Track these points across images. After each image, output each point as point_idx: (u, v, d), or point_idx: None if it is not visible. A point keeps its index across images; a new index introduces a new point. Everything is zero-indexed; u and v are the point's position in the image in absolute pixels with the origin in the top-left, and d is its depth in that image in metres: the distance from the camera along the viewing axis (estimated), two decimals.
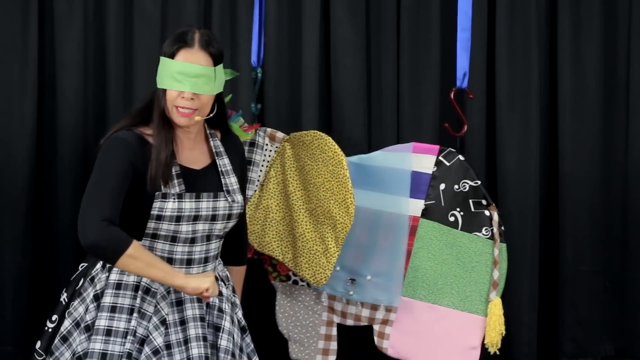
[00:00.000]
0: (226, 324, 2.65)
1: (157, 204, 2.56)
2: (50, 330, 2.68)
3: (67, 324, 2.62)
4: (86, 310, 2.61)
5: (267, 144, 3.17)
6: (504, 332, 3.05)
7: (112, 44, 3.50)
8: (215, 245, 2.69)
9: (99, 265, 2.64)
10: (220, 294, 2.69)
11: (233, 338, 2.66)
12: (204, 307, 2.65)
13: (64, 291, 2.72)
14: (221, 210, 2.65)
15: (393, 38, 3.57)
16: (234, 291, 2.79)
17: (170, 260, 2.61)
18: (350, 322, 3.17)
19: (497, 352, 3.05)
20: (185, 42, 2.58)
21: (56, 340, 2.62)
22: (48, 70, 3.51)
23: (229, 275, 2.80)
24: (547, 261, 3.61)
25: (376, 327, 3.15)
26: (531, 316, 3.53)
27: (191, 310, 2.63)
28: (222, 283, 2.73)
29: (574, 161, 3.58)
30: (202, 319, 2.63)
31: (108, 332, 2.55)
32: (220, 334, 2.64)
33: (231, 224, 2.70)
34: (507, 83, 3.55)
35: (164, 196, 2.57)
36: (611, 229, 3.63)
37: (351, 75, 3.52)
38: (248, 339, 2.76)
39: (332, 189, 2.98)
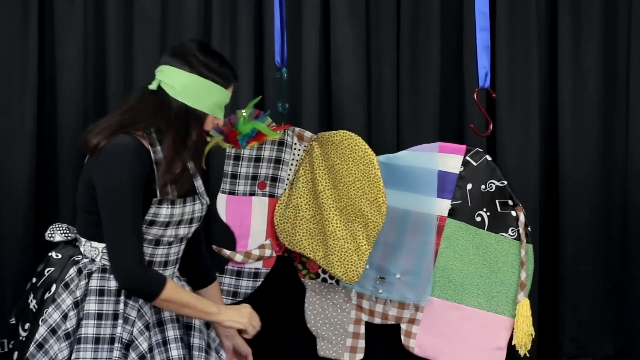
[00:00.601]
0: (196, 322, 2.69)
1: (152, 210, 2.58)
2: (24, 339, 2.65)
3: (42, 331, 2.59)
4: (65, 317, 2.59)
5: (295, 143, 3.18)
6: (534, 334, 3.03)
7: (112, 44, 3.50)
8: (184, 247, 2.76)
9: (72, 270, 2.62)
10: None
11: (203, 335, 2.71)
12: None
13: (30, 297, 2.68)
14: (197, 212, 2.72)
15: (393, 38, 3.57)
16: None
17: (150, 263, 2.64)
18: (377, 320, 3.17)
19: (527, 355, 3.03)
20: (236, 76, 2.70)
21: (31, 348, 2.58)
22: (48, 70, 3.51)
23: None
24: (547, 261, 3.61)
25: (403, 326, 3.15)
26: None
27: (168, 313, 2.66)
28: (184, 283, 2.78)
29: (574, 161, 3.58)
30: (178, 320, 2.67)
31: (96, 340, 2.55)
32: (192, 332, 2.68)
33: (200, 224, 2.78)
34: (507, 83, 3.55)
35: (160, 202, 2.59)
36: (611, 229, 3.63)
37: (351, 75, 3.52)
38: (213, 334, 2.79)
39: (363, 188, 2.99)
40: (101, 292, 2.58)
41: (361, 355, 3.18)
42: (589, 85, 3.60)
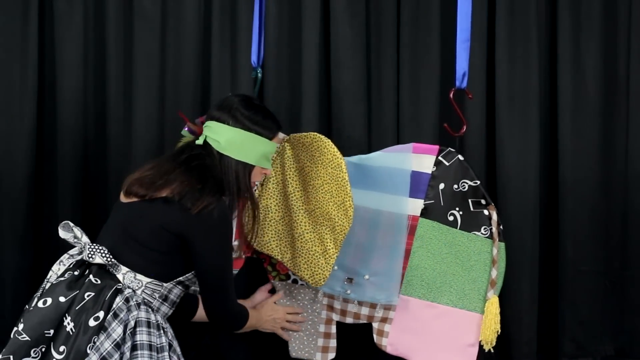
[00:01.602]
0: None
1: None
2: None
3: (94, 358, 2.56)
4: (116, 346, 2.59)
5: None
6: (499, 331, 3.05)
7: (112, 44, 3.51)
8: None
9: (118, 299, 2.63)
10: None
11: None
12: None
13: (67, 320, 2.61)
14: None
15: (393, 38, 3.57)
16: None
17: (173, 303, 2.80)
18: (349, 320, 3.18)
19: (492, 350, 3.05)
20: (279, 127, 2.86)
21: None
22: (48, 70, 3.51)
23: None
24: (547, 261, 3.61)
25: (375, 325, 3.16)
26: (531, 316, 3.53)
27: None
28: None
29: (574, 161, 3.58)
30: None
31: None
32: None
33: None
34: (507, 83, 3.55)
35: None
36: (611, 229, 3.63)
37: (351, 75, 3.52)
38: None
39: (330, 191, 2.98)
40: (148, 324, 2.66)
41: (333, 355, 3.19)
42: (589, 85, 3.60)
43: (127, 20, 3.51)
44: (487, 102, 3.56)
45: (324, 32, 3.54)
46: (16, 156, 3.44)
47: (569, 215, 3.58)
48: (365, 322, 3.17)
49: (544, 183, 3.60)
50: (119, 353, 2.59)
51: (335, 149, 3.00)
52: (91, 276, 2.67)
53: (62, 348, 2.60)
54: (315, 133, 3.04)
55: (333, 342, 3.19)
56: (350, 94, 3.52)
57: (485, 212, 3.07)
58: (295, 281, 3.19)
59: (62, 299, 2.63)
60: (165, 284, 2.71)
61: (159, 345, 2.66)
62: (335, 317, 3.18)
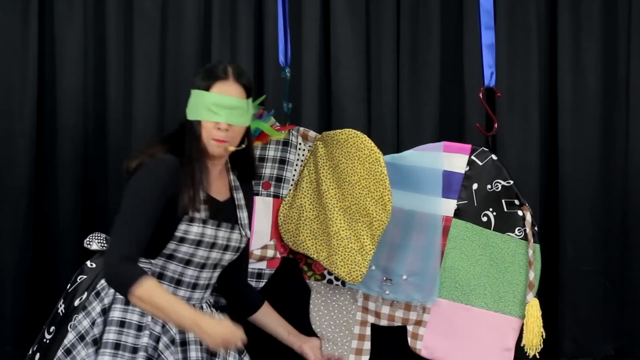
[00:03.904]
0: (221, 349, 2.70)
1: (182, 227, 2.64)
2: (48, 341, 2.69)
3: (70, 337, 2.63)
4: (93, 323, 2.62)
5: (300, 143, 3.18)
6: (544, 334, 3.02)
7: (112, 44, 3.51)
8: (217, 274, 2.80)
9: (104, 280, 2.66)
10: None
11: None
12: None
13: (60, 302, 2.74)
14: (234, 242, 2.77)
15: (393, 38, 3.57)
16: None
17: (178, 282, 2.69)
18: (384, 322, 3.15)
19: (537, 356, 3.02)
20: (219, 75, 2.68)
21: (59, 353, 2.62)
22: (48, 70, 3.51)
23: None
24: (547, 261, 3.61)
25: (410, 328, 3.13)
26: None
27: (193, 334, 2.67)
28: (214, 309, 2.82)
29: (574, 161, 3.58)
30: (201, 343, 2.67)
31: (116, 346, 2.57)
32: (216, 359, 2.72)
33: (236, 256, 2.82)
34: (507, 83, 3.55)
35: (191, 220, 2.64)
36: (611, 229, 3.63)
37: (351, 75, 3.52)
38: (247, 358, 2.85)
39: (368, 186, 2.98)
40: (127, 302, 2.61)
41: (367, 358, 3.15)
42: (589, 85, 3.60)
43: (127, 20, 3.51)
44: (487, 102, 3.55)
45: (324, 32, 3.55)
46: (16, 156, 3.44)
47: (569, 215, 3.57)
48: (399, 324, 3.15)
49: (544, 183, 3.60)
50: (93, 330, 2.61)
51: (373, 144, 3.00)
52: (88, 261, 2.77)
53: (52, 328, 2.71)
54: (351, 129, 3.05)
55: (367, 345, 3.16)
56: (350, 94, 3.52)
57: (520, 212, 3.04)
58: (330, 281, 3.17)
59: (67, 286, 2.76)
60: (153, 261, 2.67)
61: (132, 322, 2.61)
62: (370, 319, 3.15)
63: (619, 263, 3.63)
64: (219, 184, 2.79)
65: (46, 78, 3.51)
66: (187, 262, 2.69)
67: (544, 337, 3.01)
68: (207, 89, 2.68)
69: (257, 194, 3.15)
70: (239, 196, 2.83)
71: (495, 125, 3.12)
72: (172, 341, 2.64)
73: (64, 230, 3.47)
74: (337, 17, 3.52)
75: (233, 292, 2.98)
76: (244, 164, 2.85)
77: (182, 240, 2.65)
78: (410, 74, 3.56)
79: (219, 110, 2.66)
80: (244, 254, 2.93)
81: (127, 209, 2.58)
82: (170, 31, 3.54)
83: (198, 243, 2.67)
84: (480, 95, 3.06)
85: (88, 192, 3.55)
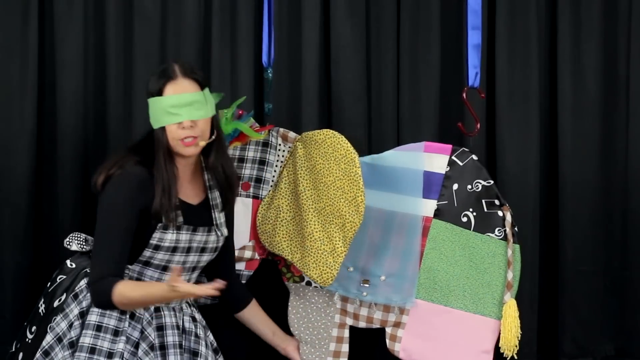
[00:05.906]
0: (202, 349, 2.75)
1: (157, 235, 2.66)
2: (30, 341, 2.72)
3: (49, 338, 2.65)
4: (70, 326, 2.64)
5: (280, 144, 3.17)
6: (520, 336, 3.00)
7: (112, 44, 3.50)
8: (194, 276, 2.83)
9: (82, 282, 2.68)
10: (194, 319, 2.80)
11: None
12: (182, 334, 2.74)
13: (41, 302, 2.77)
14: (211, 243, 2.80)
15: (393, 38, 3.57)
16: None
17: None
18: (362, 324, 3.14)
19: (515, 357, 3.01)
20: (168, 76, 2.69)
21: (38, 355, 2.64)
22: (48, 70, 3.51)
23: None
24: (547, 261, 3.61)
25: (388, 330, 3.12)
26: (531, 316, 3.52)
27: (172, 337, 2.70)
28: (194, 309, 2.83)
29: (574, 161, 3.58)
30: (180, 346, 2.71)
31: (92, 350, 2.59)
32: (198, 359, 2.74)
33: (215, 255, 2.84)
34: (507, 83, 3.55)
35: (165, 227, 2.66)
36: (611, 229, 3.63)
37: (351, 75, 3.52)
38: (221, 359, 2.86)
39: (342, 187, 2.97)
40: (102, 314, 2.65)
41: None
42: (589, 85, 3.60)
43: (127, 20, 3.51)
44: (487, 102, 3.56)
45: (324, 32, 3.54)
46: (16, 156, 3.44)
47: (569, 215, 3.58)
48: (378, 326, 3.14)
49: (544, 183, 3.60)
50: (70, 333, 2.63)
51: (349, 145, 2.99)
52: (68, 261, 2.79)
53: (33, 328, 2.74)
54: (328, 130, 3.04)
55: (345, 347, 3.15)
56: (350, 94, 3.52)
57: (499, 212, 3.04)
58: (309, 283, 3.16)
59: (48, 284, 2.79)
60: (130, 267, 2.69)
61: (109, 327, 2.63)
62: (349, 322, 3.14)
63: (619, 263, 3.64)
64: (194, 186, 2.80)
65: (46, 78, 3.51)
66: (164, 268, 2.72)
67: (519, 338, 3.00)
68: (160, 93, 2.69)
69: (237, 195, 3.14)
70: (214, 195, 2.83)
71: (478, 125, 3.12)
72: (152, 347, 2.66)
73: (64, 230, 3.46)
74: (337, 17, 3.51)
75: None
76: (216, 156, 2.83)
77: (157, 247, 2.68)
78: (410, 74, 3.56)
79: (178, 110, 2.66)
80: (226, 250, 2.93)
81: (101, 227, 2.62)
82: (170, 31, 3.53)
83: (173, 249, 2.70)
84: (464, 95, 3.06)
85: (88, 192, 3.54)
